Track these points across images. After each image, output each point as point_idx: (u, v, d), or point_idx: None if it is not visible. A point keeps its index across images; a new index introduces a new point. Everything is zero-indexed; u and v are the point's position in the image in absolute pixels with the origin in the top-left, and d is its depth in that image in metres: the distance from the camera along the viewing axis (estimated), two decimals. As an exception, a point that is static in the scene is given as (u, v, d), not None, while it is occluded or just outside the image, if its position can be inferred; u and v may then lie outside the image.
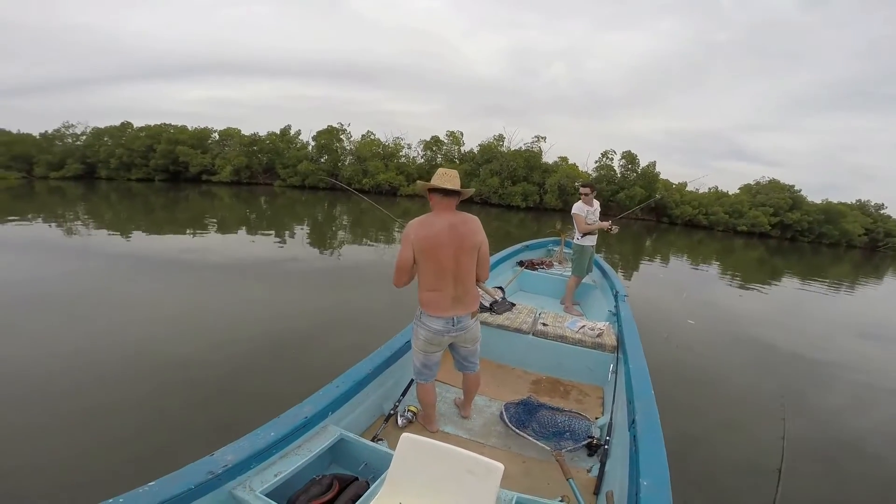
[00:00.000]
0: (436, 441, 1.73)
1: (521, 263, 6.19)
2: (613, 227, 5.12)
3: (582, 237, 5.09)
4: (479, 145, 38.03)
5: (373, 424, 2.62)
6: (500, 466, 1.60)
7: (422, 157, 39.77)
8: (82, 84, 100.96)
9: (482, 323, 3.26)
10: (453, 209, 2.36)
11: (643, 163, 37.66)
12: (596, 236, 5.17)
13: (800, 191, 40.89)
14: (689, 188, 40.00)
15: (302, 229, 15.70)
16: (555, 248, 7.18)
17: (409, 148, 40.11)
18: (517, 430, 2.61)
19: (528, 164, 35.63)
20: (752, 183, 42.34)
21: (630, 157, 37.60)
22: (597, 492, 2.15)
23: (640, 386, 2.48)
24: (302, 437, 2.05)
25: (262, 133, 40.87)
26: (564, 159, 38.10)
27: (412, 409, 2.71)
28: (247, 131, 40.92)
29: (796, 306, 10.85)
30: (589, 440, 2.51)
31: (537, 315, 3.93)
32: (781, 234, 38.91)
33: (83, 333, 5.03)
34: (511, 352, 3.59)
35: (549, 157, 38.10)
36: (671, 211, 37.77)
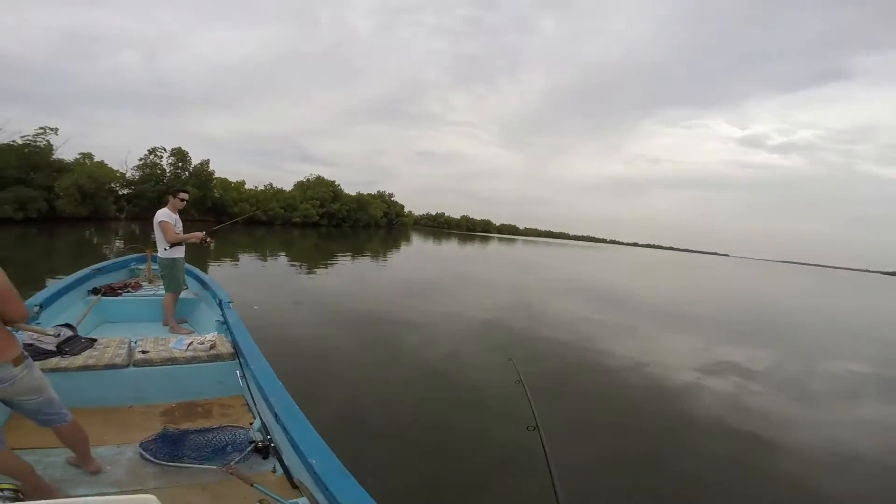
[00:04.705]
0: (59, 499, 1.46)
1: (95, 291, 4.91)
2: (209, 239, 4.91)
3: (171, 248, 4.58)
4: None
5: None
6: (151, 497, 1.26)
7: None
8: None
9: (57, 370, 2.81)
10: None
11: (195, 161, 35.91)
12: (184, 247, 4.78)
13: (339, 185, 51.67)
14: (247, 186, 41.46)
15: None
16: (140, 267, 6.07)
17: None
18: (172, 464, 2.30)
19: (27, 163, 26.19)
20: (304, 179, 50.12)
21: (181, 155, 35.04)
22: (294, 485, 2.17)
23: (269, 383, 2.62)
24: None
25: None
26: (88, 156, 31.06)
27: (6, 486, 1.85)
28: None
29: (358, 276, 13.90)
30: (253, 444, 2.46)
31: (132, 344, 3.39)
32: (328, 222, 47.65)
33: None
34: (115, 391, 3.02)
35: (66, 154, 29.52)
36: (230, 209, 37.77)
